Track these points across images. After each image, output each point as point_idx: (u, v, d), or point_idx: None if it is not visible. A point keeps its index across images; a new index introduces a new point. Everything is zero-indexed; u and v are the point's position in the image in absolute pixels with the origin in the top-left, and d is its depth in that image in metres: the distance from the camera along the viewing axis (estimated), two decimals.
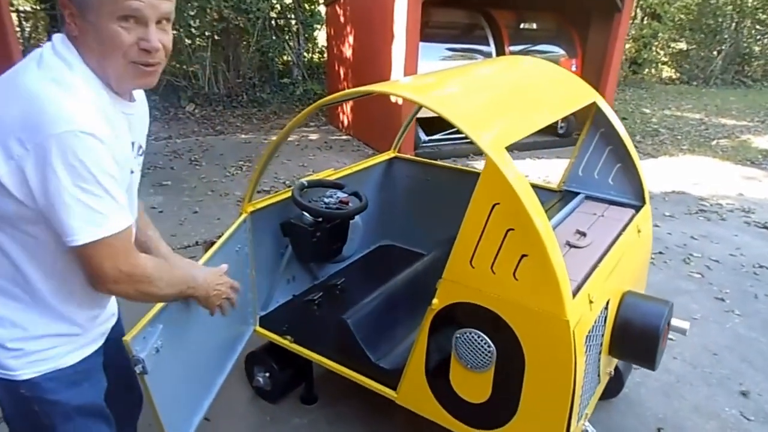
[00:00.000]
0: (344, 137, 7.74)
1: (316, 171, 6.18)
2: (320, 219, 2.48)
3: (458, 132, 6.82)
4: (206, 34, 8.86)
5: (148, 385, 1.62)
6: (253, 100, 9.01)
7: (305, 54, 10.30)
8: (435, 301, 1.91)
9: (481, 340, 1.85)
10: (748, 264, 4.28)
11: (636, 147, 7.59)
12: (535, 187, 2.96)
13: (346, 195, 2.55)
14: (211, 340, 2.16)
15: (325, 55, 10.01)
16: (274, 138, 7.78)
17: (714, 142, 7.85)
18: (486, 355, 1.85)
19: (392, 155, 3.33)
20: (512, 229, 1.68)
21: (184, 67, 8.91)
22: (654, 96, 11.38)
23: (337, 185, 2.63)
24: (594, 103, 2.49)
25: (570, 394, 1.73)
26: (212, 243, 2.20)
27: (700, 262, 4.30)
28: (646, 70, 13.59)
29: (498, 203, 1.69)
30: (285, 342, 2.46)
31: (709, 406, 2.80)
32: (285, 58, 10.16)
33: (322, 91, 9.60)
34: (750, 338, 3.35)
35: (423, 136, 7.05)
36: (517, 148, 7.15)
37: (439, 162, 3.43)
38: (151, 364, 1.57)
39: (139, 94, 1.48)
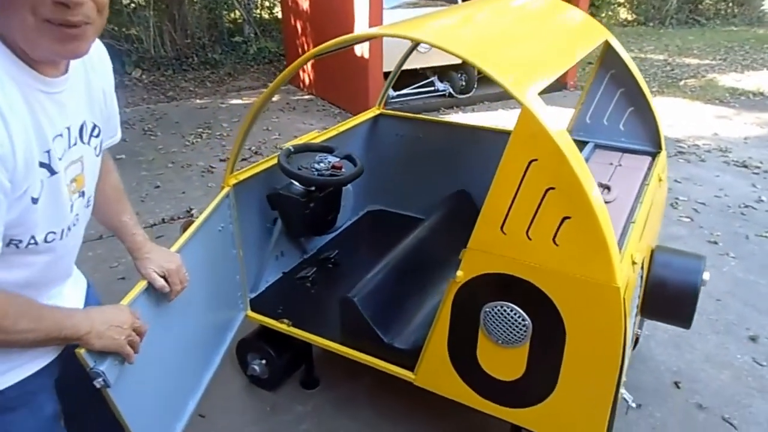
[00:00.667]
0: (307, 97, 7.34)
1: (283, 134, 5.83)
2: (312, 188, 2.21)
3: (427, 86, 6.46)
4: None
5: (114, 400, 1.36)
6: (205, 62, 8.44)
7: (255, 10, 9.68)
8: (459, 273, 1.69)
9: (515, 314, 1.66)
10: (734, 204, 4.24)
11: None
12: None
13: (338, 159, 2.28)
14: (194, 334, 1.90)
15: (277, 10, 9.44)
16: (232, 102, 7.35)
17: (682, 83, 7.80)
18: (520, 329, 1.66)
19: (378, 112, 3.05)
20: (552, 189, 1.47)
21: (125, 29, 8.22)
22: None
23: (326, 149, 2.36)
24: (606, 43, 2.27)
25: (618, 363, 1.56)
26: (190, 222, 1.92)
27: (687, 205, 4.24)
28: (604, 12, 13.44)
29: (535, 159, 1.47)
30: (282, 326, 2.23)
31: (720, 355, 2.73)
32: (234, 15, 9.53)
33: (277, 49, 9.08)
34: (749, 281, 3.30)
35: (390, 92, 6.73)
36: (470, 102, 6.96)
37: (431, 117, 3.17)
38: (115, 375, 1.30)
39: (92, 55, 1.14)
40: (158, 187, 4.61)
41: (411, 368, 1.97)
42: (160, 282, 1.48)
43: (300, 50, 7.57)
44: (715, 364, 2.66)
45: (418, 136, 2.98)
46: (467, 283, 1.70)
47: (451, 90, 6.98)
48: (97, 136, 1.20)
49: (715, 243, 3.71)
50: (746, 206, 4.21)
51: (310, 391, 2.46)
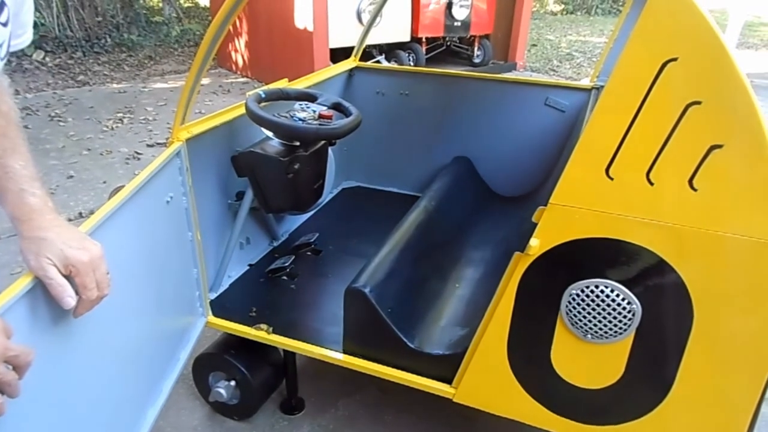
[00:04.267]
0: (241, 80, 6.63)
1: None
2: (296, 143, 1.63)
3: (378, 63, 5.86)
4: None
5: None
6: (121, 44, 7.48)
7: None
8: (533, 242, 1.19)
9: (617, 296, 1.17)
10: None
11: (555, 71, 7.34)
12: (556, 87, 2.31)
13: (325, 108, 1.71)
14: (129, 355, 1.29)
15: None
16: (155, 86, 6.51)
17: None
18: (622, 317, 1.18)
19: (353, 64, 2.49)
20: (697, 103, 0.99)
21: None
22: (550, 25, 11.24)
23: (307, 95, 1.78)
24: None
25: None
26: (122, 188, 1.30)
27: None
28: (534, 3, 13.50)
29: (674, 59, 0.98)
30: (260, 334, 1.64)
31: None
32: None
33: (203, 31, 8.26)
34: None
35: None
36: None
37: (422, 68, 2.65)
38: None
39: None
40: (72, 177, 3.82)
41: (448, 380, 1.45)
42: (59, 286, 0.87)
43: (232, 31, 6.84)
44: None
45: (404, 93, 2.45)
46: (545, 256, 1.20)
47: None
48: (5, 24, 0.75)
49: None
50: None
51: (293, 416, 1.88)
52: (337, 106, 1.75)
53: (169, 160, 1.40)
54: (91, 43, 7.33)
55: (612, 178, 1.09)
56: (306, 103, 1.74)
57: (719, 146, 1.00)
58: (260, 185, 1.66)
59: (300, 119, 1.60)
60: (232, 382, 1.77)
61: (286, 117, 1.62)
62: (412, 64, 6.51)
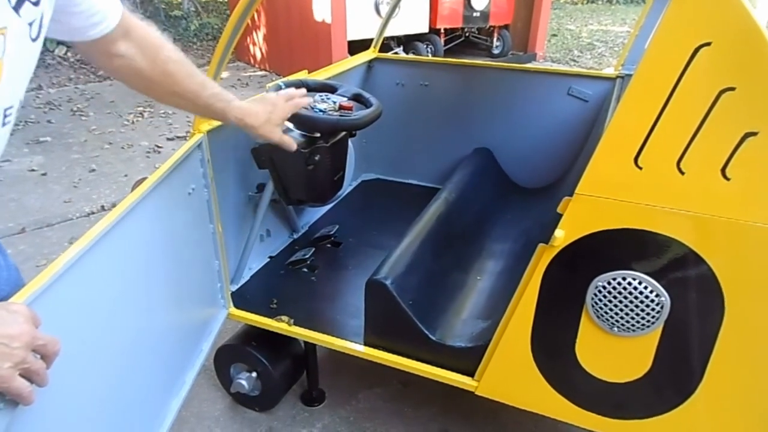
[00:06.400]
0: (260, 73, 6.65)
1: None
2: (317, 134, 1.62)
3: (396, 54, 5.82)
4: None
5: None
6: None
7: None
8: (558, 233, 1.17)
9: (645, 288, 1.15)
10: None
11: (576, 62, 7.23)
12: (579, 76, 2.27)
13: (345, 99, 1.70)
14: (153, 345, 1.29)
15: None
16: None
17: None
18: (650, 310, 1.16)
19: (372, 56, 2.47)
20: (731, 89, 0.96)
21: None
22: (570, 14, 11.08)
23: (327, 87, 1.77)
24: None
25: None
26: (144, 180, 1.30)
27: None
28: None
29: (707, 44, 0.95)
30: (282, 326, 1.64)
31: None
32: None
33: (221, 25, 8.29)
34: None
35: None
36: None
37: (442, 59, 2.62)
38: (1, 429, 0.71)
39: None
40: (93, 170, 3.87)
41: (470, 373, 1.44)
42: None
43: (250, 24, 6.86)
44: None
45: (423, 84, 2.43)
46: (570, 247, 1.18)
47: None
48: (37, 3, 0.76)
49: None
50: None
51: (314, 408, 1.89)
52: (357, 97, 1.74)
53: (191, 151, 1.40)
54: None
55: (641, 168, 1.06)
56: (326, 94, 1.73)
57: (754, 133, 0.96)
58: (280, 177, 1.66)
59: (320, 110, 1.60)
60: (254, 374, 1.78)
61: (306, 108, 1.61)
62: (430, 55, 6.47)
